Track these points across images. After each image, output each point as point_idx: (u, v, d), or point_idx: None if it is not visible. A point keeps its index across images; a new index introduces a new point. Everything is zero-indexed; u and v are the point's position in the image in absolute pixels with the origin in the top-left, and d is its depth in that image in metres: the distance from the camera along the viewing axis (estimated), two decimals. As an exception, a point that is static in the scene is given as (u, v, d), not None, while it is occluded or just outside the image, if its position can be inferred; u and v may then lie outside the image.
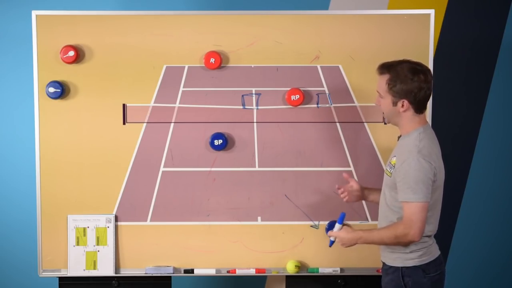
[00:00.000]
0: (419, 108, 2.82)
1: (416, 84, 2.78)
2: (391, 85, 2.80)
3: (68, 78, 3.31)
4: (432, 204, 2.79)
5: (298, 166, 3.37)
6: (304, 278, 3.41)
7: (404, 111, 2.81)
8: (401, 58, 2.89)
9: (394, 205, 2.84)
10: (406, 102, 2.80)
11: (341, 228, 2.91)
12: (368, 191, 3.15)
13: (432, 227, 2.84)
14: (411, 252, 2.82)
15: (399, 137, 2.90)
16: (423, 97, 2.80)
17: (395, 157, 2.84)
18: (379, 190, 3.16)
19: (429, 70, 2.85)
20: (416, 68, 2.81)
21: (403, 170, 2.76)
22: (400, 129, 2.88)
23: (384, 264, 2.95)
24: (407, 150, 2.79)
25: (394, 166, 2.82)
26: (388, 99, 2.82)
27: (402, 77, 2.78)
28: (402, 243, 2.79)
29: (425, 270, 2.83)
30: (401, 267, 2.84)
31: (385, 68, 2.83)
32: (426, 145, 2.80)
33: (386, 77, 2.81)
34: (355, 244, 2.89)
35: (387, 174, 2.88)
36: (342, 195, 3.14)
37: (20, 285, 4.04)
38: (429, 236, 2.84)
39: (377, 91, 2.87)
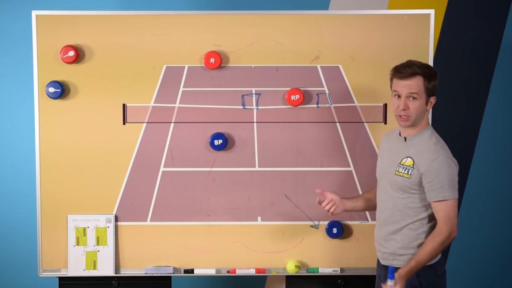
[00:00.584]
0: None
1: (438, 79, 2.80)
2: (428, 84, 2.75)
3: (68, 78, 3.31)
4: None
5: (298, 166, 3.37)
6: (304, 278, 3.41)
7: (429, 109, 2.81)
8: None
9: (409, 207, 2.81)
10: (434, 99, 2.80)
11: (395, 283, 2.71)
12: (347, 200, 3.09)
13: None
14: None
15: (405, 138, 2.85)
16: None
17: (409, 158, 2.79)
18: (358, 197, 3.14)
19: None
20: (430, 65, 2.82)
21: (434, 170, 2.71)
22: (411, 130, 2.83)
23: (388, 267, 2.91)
24: (429, 149, 2.76)
25: (412, 167, 2.77)
26: (423, 99, 2.77)
27: (432, 74, 2.77)
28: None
29: (435, 269, 2.83)
30: None
31: (415, 67, 2.75)
32: (444, 143, 2.80)
33: (420, 77, 2.75)
34: None
35: (402, 176, 2.80)
36: (327, 207, 3.05)
37: (20, 285, 4.04)
38: None
39: (411, 94, 2.75)
